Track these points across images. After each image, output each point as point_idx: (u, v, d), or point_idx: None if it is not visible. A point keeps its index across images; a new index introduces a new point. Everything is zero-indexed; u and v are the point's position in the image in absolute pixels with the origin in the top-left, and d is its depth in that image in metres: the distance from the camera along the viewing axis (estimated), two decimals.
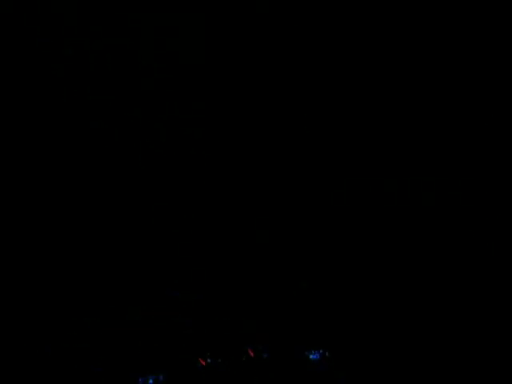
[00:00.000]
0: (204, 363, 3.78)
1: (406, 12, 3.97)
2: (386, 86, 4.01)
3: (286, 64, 4.05)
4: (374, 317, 3.92)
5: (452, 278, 3.90)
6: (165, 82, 4.08)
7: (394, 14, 3.97)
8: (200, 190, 4.00)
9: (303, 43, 4.04)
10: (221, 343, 3.93)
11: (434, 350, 3.83)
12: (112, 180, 4.04)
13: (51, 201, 4.02)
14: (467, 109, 3.96)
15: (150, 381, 3.75)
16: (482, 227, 3.91)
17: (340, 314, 3.94)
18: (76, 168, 4.06)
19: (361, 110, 4.03)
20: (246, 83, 4.06)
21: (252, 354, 3.77)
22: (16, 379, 3.83)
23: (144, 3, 4.03)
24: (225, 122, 4.05)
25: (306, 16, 4.02)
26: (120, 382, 3.86)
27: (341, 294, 3.96)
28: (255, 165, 4.03)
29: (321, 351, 3.83)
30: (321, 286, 3.99)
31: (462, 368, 3.78)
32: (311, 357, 3.82)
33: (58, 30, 4.05)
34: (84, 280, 3.99)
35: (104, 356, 3.90)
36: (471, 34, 3.93)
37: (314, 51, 4.04)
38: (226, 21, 4.05)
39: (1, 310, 3.91)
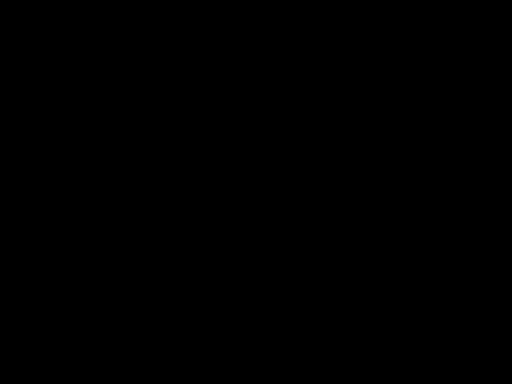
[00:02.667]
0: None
1: (405, 12, 3.96)
2: (386, 87, 4.00)
3: (286, 64, 4.05)
4: (373, 317, 3.91)
5: (452, 277, 3.90)
6: (164, 81, 4.08)
7: (393, 14, 3.97)
8: (198, 190, 4.00)
9: (303, 43, 4.03)
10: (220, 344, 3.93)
11: (434, 350, 3.83)
12: (111, 180, 4.04)
13: (51, 200, 4.03)
14: (467, 109, 3.95)
15: None
16: (482, 227, 3.90)
17: (339, 314, 3.94)
18: (76, 168, 4.06)
19: (361, 110, 4.03)
20: (246, 83, 4.06)
21: None
22: (16, 379, 3.84)
23: (144, 3, 4.04)
24: (224, 122, 4.05)
25: (306, 16, 4.02)
26: (121, 382, 3.87)
27: (340, 295, 3.96)
28: (254, 164, 4.02)
29: None
30: (320, 286, 3.98)
31: (460, 368, 3.77)
32: None
33: (58, 30, 4.05)
34: (84, 280, 3.99)
35: (104, 355, 3.91)
36: (471, 34, 3.93)
37: (314, 51, 4.03)
38: (226, 20, 4.05)
39: (1, 311, 3.92)
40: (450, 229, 3.90)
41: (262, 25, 4.03)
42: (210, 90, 4.02)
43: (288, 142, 4.02)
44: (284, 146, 4.02)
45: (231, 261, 3.99)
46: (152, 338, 3.94)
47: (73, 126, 4.00)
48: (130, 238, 4.01)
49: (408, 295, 3.89)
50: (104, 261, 3.99)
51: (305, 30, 4.02)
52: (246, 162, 4.02)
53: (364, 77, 4.00)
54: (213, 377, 3.89)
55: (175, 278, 4.02)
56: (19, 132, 3.97)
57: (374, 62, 3.99)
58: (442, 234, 3.90)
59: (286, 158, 4.04)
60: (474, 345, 3.78)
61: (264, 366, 3.91)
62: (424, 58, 3.96)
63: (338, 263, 3.96)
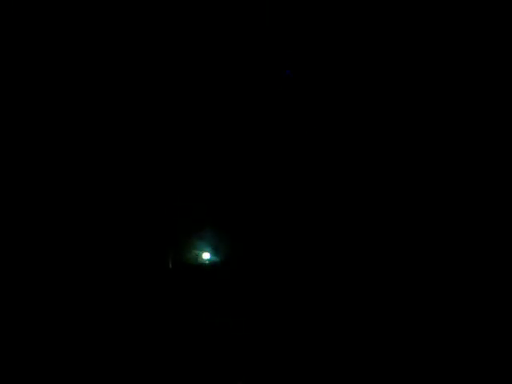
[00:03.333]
0: None
1: (406, 12, 3.96)
2: (386, 87, 4.01)
3: (286, 65, 4.05)
4: (373, 318, 3.92)
5: (451, 277, 3.90)
6: (165, 82, 4.08)
7: (394, 14, 3.97)
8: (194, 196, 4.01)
9: (303, 44, 4.03)
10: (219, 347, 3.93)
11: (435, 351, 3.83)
12: (111, 181, 4.04)
13: (51, 200, 4.02)
14: (467, 109, 3.95)
15: None
16: (482, 227, 3.90)
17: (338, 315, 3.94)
18: (76, 168, 4.06)
19: (361, 110, 4.03)
20: (247, 84, 4.06)
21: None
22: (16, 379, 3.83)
23: (145, 3, 4.03)
24: (225, 123, 4.05)
25: (306, 16, 4.02)
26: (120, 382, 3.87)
27: (340, 295, 3.96)
28: (253, 167, 4.03)
29: None
30: (319, 286, 3.99)
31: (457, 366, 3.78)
32: None
33: (58, 30, 4.05)
34: (83, 280, 3.99)
35: (104, 356, 3.91)
36: (471, 34, 3.93)
37: (314, 52, 4.03)
38: (226, 21, 4.05)
39: (1, 311, 3.91)
40: (450, 229, 3.90)
41: (262, 25, 4.03)
42: (209, 89, 4.02)
43: (287, 140, 4.02)
44: (283, 145, 4.02)
45: (232, 261, 3.99)
46: (152, 337, 3.94)
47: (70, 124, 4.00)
48: (130, 237, 4.01)
49: (408, 295, 3.89)
50: (103, 260, 3.99)
51: (304, 30, 4.02)
52: (246, 160, 4.02)
53: (363, 77, 4.00)
54: (213, 376, 3.89)
55: (175, 277, 4.02)
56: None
57: (374, 62, 3.99)
58: (441, 234, 3.90)
59: (286, 156, 4.03)
60: (473, 345, 3.78)
61: (264, 366, 3.91)
62: (424, 59, 3.96)
63: (338, 263, 3.96)
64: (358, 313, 3.93)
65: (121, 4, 4.03)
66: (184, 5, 4.05)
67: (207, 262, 3.95)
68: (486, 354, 3.76)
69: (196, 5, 4.04)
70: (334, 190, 3.98)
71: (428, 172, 3.97)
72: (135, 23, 4.05)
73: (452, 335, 3.82)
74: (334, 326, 3.92)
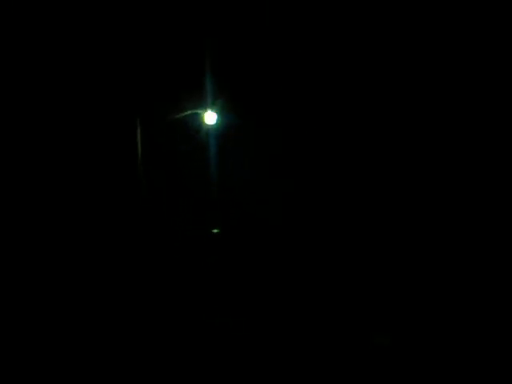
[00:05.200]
0: None
1: (406, 12, 3.97)
2: (387, 88, 4.01)
3: (288, 66, 4.06)
4: (373, 318, 3.93)
5: (451, 277, 3.92)
6: (165, 82, 4.08)
7: (393, 14, 3.97)
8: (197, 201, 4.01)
9: (304, 45, 4.04)
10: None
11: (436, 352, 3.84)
12: (113, 182, 4.04)
13: (50, 201, 4.02)
14: (467, 109, 3.96)
15: None
16: (482, 227, 3.91)
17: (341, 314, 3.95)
18: (76, 168, 4.06)
19: (362, 111, 4.03)
20: (249, 85, 4.06)
21: None
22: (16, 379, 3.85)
23: (146, 5, 4.03)
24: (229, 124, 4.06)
25: (307, 17, 4.02)
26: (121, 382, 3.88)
27: (339, 295, 3.97)
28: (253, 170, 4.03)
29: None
30: (320, 286, 4.00)
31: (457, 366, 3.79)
32: None
33: (58, 30, 4.05)
34: (83, 280, 4.00)
35: (104, 356, 3.92)
36: (471, 34, 3.93)
37: (315, 53, 4.04)
38: (227, 22, 4.05)
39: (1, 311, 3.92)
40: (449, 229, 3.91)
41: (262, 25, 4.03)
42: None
43: (287, 139, 4.03)
44: (283, 144, 4.02)
45: (232, 262, 4.00)
46: (152, 337, 3.96)
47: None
48: (131, 239, 4.01)
49: (408, 295, 3.90)
50: (103, 259, 4.00)
51: (304, 30, 4.02)
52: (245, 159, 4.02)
53: (363, 77, 4.00)
54: (213, 376, 3.91)
55: (176, 278, 4.03)
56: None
57: (374, 63, 3.99)
58: (441, 235, 3.91)
59: (285, 156, 4.04)
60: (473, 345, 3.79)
61: (263, 366, 3.92)
62: (424, 59, 3.96)
63: (338, 263, 3.97)
64: (358, 312, 3.94)
65: (121, 4, 4.03)
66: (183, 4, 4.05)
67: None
68: (485, 354, 3.78)
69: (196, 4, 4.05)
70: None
71: (428, 171, 3.98)
72: (135, 22, 4.06)
73: (451, 334, 3.83)
74: (334, 326, 3.94)
